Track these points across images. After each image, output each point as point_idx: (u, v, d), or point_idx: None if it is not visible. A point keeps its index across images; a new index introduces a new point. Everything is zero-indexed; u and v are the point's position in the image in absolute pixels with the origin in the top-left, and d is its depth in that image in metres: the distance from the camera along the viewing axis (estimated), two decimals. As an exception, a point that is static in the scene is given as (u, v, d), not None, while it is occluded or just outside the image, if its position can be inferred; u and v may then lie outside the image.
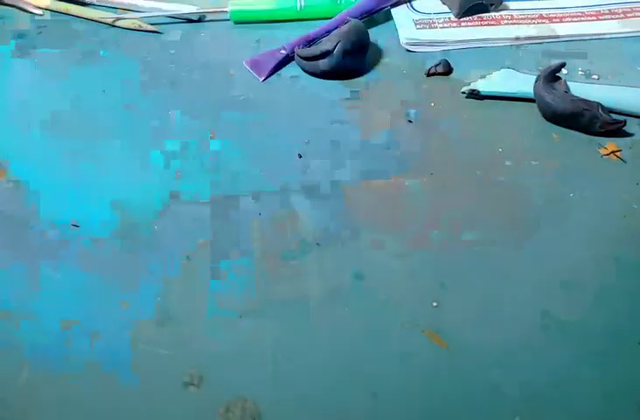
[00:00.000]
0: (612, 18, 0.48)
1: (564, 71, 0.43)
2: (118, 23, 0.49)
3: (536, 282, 0.34)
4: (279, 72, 0.45)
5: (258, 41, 0.47)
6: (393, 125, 0.41)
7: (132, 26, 0.48)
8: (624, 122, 0.39)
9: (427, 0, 0.50)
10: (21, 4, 0.50)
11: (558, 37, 0.47)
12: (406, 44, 0.46)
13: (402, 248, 0.35)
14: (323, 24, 0.47)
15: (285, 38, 0.46)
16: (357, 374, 0.31)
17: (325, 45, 0.42)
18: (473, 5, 0.47)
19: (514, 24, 0.47)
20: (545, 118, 0.41)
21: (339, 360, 0.31)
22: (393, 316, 0.32)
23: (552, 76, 0.41)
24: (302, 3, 0.48)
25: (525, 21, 0.48)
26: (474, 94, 0.42)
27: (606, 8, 0.49)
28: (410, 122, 0.41)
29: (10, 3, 0.50)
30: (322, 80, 0.44)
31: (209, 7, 0.48)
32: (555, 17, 0.48)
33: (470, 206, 0.37)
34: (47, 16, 0.50)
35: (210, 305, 0.33)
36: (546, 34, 0.47)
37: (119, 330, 0.32)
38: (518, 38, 0.46)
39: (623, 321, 0.32)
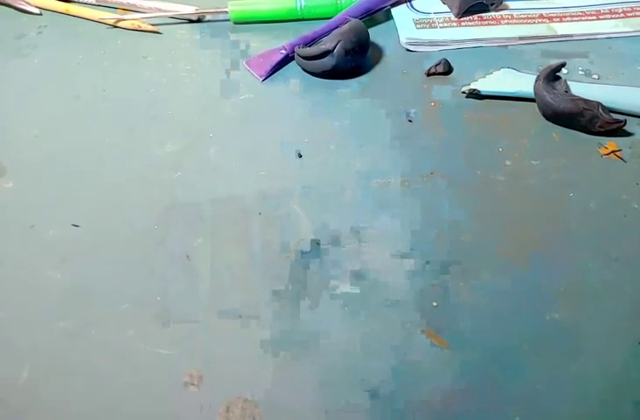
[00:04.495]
0: (612, 18, 0.48)
1: (564, 70, 0.43)
2: (118, 23, 0.49)
3: (535, 281, 0.34)
4: (279, 72, 0.45)
5: (257, 41, 0.47)
6: (393, 125, 0.41)
7: (132, 27, 0.48)
8: (624, 122, 0.39)
9: None
10: (18, 4, 0.50)
11: (558, 36, 0.47)
12: (406, 43, 0.46)
13: (402, 247, 0.35)
14: (324, 24, 0.47)
15: (285, 38, 0.46)
16: (356, 374, 0.31)
17: (325, 44, 0.42)
18: (473, 5, 0.47)
19: (514, 23, 0.47)
20: (545, 118, 0.41)
21: (339, 360, 0.31)
22: (393, 316, 0.32)
23: (552, 76, 0.41)
24: (302, 3, 0.48)
25: (526, 21, 0.48)
26: (474, 94, 0.42)
27: (606, 8, 0.49)
28: (410, 121, 0.41)
29: (6, 2, 0.50)
30: (322, 79, 0.44)
31: (208, 7, 0.48)
32: (555, 17, 0.48)
33: (470, 206, 0.37)
34: (47, 16, 0.50)
35: (210, 305, 0.33)
36: (546, 34, 0.47)
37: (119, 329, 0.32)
38: (518, 38, 0.46)
39: (623, 321, 0.32)
